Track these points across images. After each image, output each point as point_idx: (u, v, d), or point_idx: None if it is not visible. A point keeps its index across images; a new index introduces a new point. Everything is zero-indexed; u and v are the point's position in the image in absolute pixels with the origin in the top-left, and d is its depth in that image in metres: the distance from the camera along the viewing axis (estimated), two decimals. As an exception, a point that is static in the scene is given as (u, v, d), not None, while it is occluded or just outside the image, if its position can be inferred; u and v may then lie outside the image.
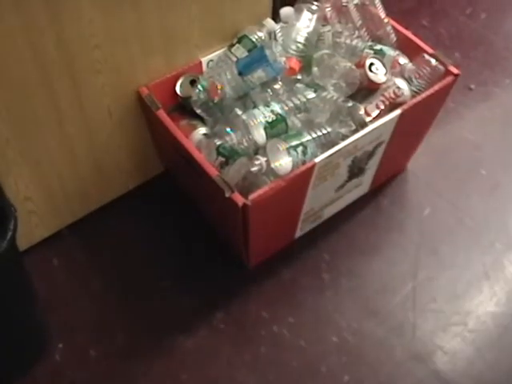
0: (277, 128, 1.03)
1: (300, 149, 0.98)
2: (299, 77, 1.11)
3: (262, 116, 1.02)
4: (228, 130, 1.04)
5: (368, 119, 1.06)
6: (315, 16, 1.15)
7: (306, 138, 1.00)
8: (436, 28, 1.64)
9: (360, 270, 1.19)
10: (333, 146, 1.01)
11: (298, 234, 1.20)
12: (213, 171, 0.98)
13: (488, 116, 1.47)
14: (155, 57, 1.09)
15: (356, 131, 1.03)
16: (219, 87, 1.07)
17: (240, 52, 1.13)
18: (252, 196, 0.94)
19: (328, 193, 1.13)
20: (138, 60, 1.06)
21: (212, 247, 1.20)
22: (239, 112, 1.06)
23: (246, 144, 1.02)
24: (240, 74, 1.06)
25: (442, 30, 1.64)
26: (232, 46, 1.15)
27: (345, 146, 1.02)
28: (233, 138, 1.03)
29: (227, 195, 0.94)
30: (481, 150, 1.39)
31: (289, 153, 0.98)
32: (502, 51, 1.62)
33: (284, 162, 0.98)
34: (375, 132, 1.05)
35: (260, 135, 1.02)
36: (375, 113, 1.07)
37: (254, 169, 0.98)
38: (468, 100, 1.48)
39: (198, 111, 1.10)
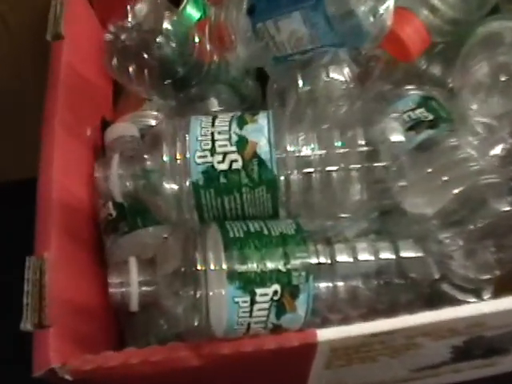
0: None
1: (273, 290, 0.31)
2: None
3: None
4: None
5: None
6: None
7: (311, 258, 0.32)
8: None
9: None
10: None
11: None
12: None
13: None
14: None
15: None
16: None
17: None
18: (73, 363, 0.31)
19: (385, 373, 0.45)
20: None
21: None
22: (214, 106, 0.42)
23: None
24: (250, 12, 0.40)
25: None
26: None
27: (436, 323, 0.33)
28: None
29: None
30: None
31: (230, 290, 0.31)
32: None
33: (219, 301, 0.32)
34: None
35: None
36: None
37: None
38: None
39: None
